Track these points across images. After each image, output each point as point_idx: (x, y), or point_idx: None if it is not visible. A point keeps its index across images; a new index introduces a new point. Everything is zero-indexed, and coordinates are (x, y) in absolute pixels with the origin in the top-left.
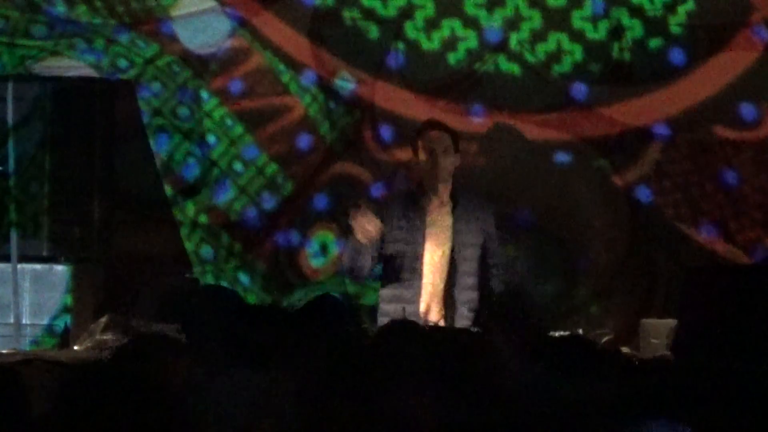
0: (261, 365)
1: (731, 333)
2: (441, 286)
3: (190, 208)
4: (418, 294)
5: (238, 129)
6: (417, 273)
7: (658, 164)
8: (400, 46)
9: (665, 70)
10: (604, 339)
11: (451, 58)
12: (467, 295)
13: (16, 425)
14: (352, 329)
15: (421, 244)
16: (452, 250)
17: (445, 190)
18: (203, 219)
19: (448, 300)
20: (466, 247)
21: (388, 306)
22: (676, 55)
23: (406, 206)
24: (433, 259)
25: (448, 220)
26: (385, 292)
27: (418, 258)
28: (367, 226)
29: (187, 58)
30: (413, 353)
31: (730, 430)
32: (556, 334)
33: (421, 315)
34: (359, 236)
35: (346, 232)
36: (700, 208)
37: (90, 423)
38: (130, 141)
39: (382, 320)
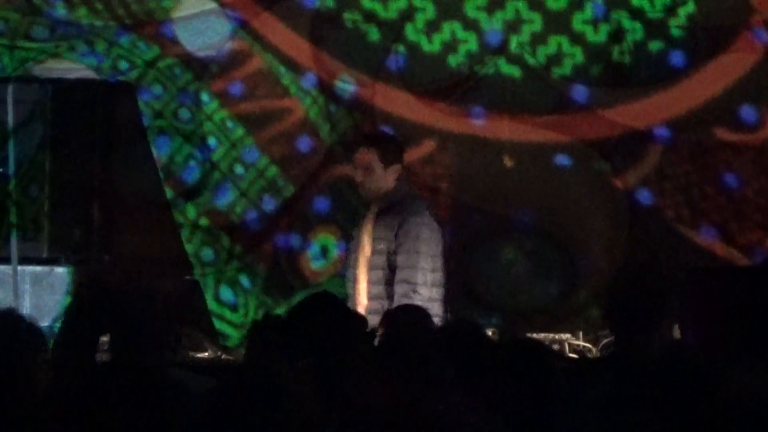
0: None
1: (731, 333)
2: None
3: (191, 211)
4: (354, 300)
5: (239, 131)
6: (353, 281)
7: (658, 166)
8: (401, 48)
9: (665, 72)
10: (605, 341)
11: (452, 60)
12: (373, 305)
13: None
14: (350, 326)
15: (356, 253)
16: (365, 259)
17: (375, 209)
18: (204, 221)
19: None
20: (373, 256)
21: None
22: (677, 58)
23: (360, 219)
24: (363, 268)
25: (368, 231)
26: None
27: (352, 268)
28: None
29: (188, 60)
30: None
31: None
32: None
33: None
34: None
35: None
36: (700, 210)
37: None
38: (131, 143)
39: None
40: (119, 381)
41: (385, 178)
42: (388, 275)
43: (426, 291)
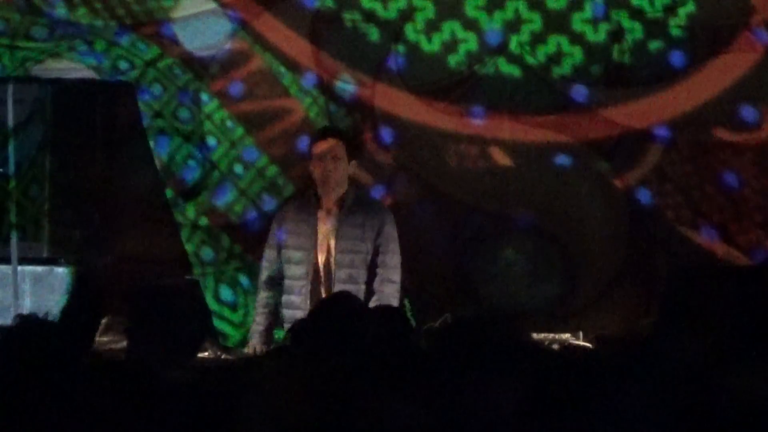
0: None
1: (731, 334)
2: (323, 293)
3: (191, 211)
4: (306, 300)
5: (239, 131)
6: (305, 279)
7: (658, 166)
8: (401, 48)
9: (665, 72)
10: (598, 332)
11: (452, 60)
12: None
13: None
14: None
15: (310, 252)
16: (333, 257)
17: (331, 198)
18: (204, 221)
19: None
20: (344, 254)
21: (285, 311)
22: (677, 58)
23: (298, 213)
24: (318, 265)
25: (332, 227)
26: (283, 297)
27: (307, 264)
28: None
29: (188, 60)
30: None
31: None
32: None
33: None
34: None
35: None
36: (700, 210)
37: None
38: (131, 143)
39: (285, 326)
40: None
41: (347, 171)
42: (363, 275)
43: None
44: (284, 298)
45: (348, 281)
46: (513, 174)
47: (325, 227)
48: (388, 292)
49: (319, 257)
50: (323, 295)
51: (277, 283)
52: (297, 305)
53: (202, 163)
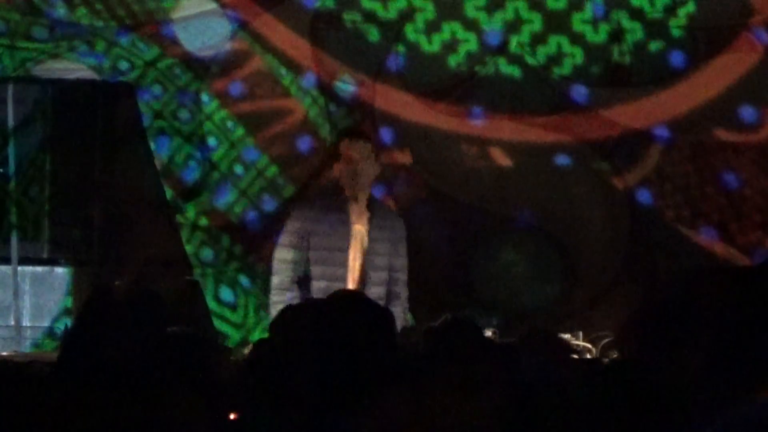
0: None
1: (731, 334)
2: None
3: (191, 211)
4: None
5: (239, 131)
6: (340, 279)
7: (658, 166)
8: (401, 48)
9: (665, 72)
10: (604, 341)
11: (452, 60)
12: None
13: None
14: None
15: (346, 251)
16: (365, 259)
17: (364, 199)
18: (204, 221)
19: None
20: (377, 256)
21: None
22: (677, 58)
23: (326, 214)
24: (354, 266)
25: (365, 229)
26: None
27: (342, 265)
28: None
29: (188, 60)
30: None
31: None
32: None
33: None
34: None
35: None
36: (700, 210)
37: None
38: (131, 143)
39: None
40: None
41: (376, 171)
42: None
43: None
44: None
45: (379, 284)
46: (513, 174)
47: (356, 228)
48: (405, 295)
49: (354, 259)
50: None
51: (302, 284)
52: None
53: (202, 164)
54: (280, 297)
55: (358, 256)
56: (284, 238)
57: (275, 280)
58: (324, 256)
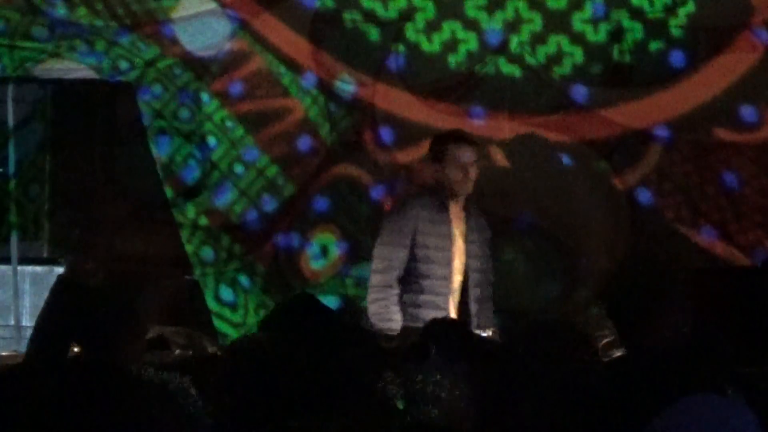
0: None
1: (731, 334)
2: (459, 294)
3: (191, 211)
4: (447, 301)
5: (239, 131)
6: (447, 280)
7: (658, 166)
8: (401, 48)
9: (666, 72)
10: (604, 341)
11: (452, 60)
12: (475, 307)
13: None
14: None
15: (450, 251)
16: (468, 258)
17: (463, 200)
18: (203, 221)
19: (462, 308)
20: (473, 258)
21: (422, 311)
22: (677, 58)
23: (430, 213)
24: (458, 267)
25: (463, 229)
26: (420, 297)
27: (447, 265)
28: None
29: (188, 60)
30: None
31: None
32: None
33: None
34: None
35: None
36: (700, 210)
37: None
38: (131, 143)
39: (417, 325)
40: (90, 380)
41: (476, 174)
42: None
43: None
44: (422, 297)
45: (477, 285)
46: (513, 174)
47: (458, 229)
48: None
49: (456, 258)
50: (459, 297)
51: (407, 282)
52: (438, 305)
53: (202, 163)
54: (383, 294)
55: (461, 256)
56: (387, 237)
57: (377, 277)
58: (430, 254)
